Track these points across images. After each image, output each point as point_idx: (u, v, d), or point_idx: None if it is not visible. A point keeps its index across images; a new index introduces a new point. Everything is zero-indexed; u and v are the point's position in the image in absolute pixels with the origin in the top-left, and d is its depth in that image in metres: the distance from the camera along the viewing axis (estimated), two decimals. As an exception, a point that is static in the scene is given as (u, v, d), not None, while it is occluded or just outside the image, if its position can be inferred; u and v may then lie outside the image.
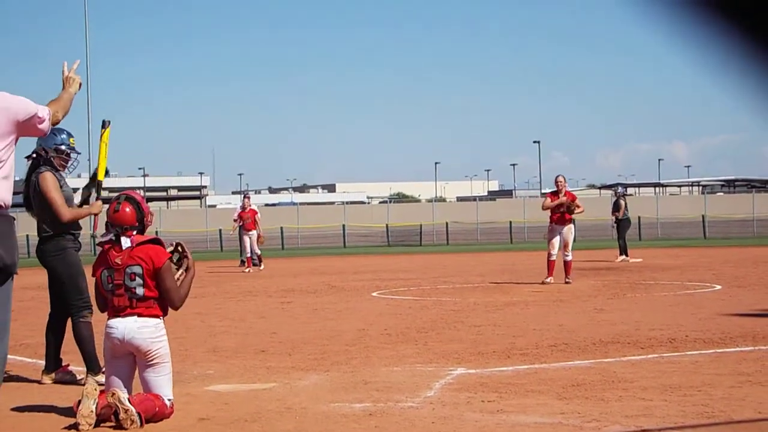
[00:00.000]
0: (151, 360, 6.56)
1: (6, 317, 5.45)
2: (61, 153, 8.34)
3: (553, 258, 17.91)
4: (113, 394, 6.22)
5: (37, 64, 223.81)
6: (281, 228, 49.37)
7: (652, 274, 21.08)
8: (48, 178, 8.15)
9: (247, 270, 26.81)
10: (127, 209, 6.82)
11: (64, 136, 8.38)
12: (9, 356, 9.18)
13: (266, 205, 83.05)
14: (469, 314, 13.27)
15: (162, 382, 6.55)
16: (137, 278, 6.58)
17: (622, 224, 27.61)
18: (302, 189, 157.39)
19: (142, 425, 6.18)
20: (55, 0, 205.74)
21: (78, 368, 8.51)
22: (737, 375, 7.78)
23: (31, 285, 22.89)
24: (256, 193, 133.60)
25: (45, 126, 5.73)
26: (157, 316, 6.61)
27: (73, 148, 8.44)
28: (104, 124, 8.63)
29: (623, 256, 26.93)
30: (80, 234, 8.65)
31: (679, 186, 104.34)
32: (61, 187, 8.22)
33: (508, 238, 48.39)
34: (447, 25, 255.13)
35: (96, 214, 8.57)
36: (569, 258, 18.09)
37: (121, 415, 6.17)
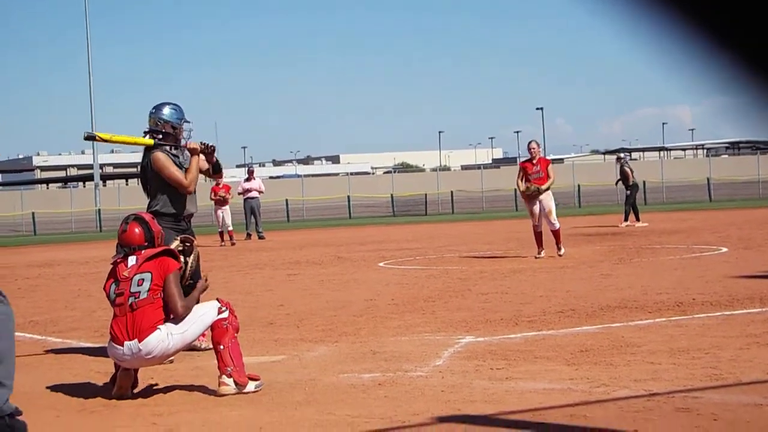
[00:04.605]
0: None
1: None
2: (175, 129, 8.61)
3: (539, 229, 16.99)
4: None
5: (37, 54, 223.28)
6: (286, 200, 49.34)
7: (658, 239, 21.06)
8: (160, 157, 8.45)
9: (222, 244, 26.66)
10: (136, 229, 6.81)
11: (172, 111, 8.59)
12: (19, 333, 9.23)
13: (270, 177, 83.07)
14: (476, 282, 13.28)
15: (200, 324, 6.61)
16: (145, 283, 6.53)
17: (630, 190, 27.49)
18: (306, 161, 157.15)
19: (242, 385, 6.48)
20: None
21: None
22: (745, 337, 7.78)
23: (37, 262, 22.95)
24: (260, 166, 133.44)
25: None
26: (157, 325, 6.50)
27: (185, 120, 8.67)
28: (91, 138, 8.66)
29: (627, 222, 26.88)
30: (188, 215, 8.63)
31: (684, 149, 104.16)
32: (177, 161, 8.52)
33: (513, 205, 48.29)
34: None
35: (197, 153, 8.49)
36: (556, 226, 16.89)
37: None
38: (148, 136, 8.63)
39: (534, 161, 17.03)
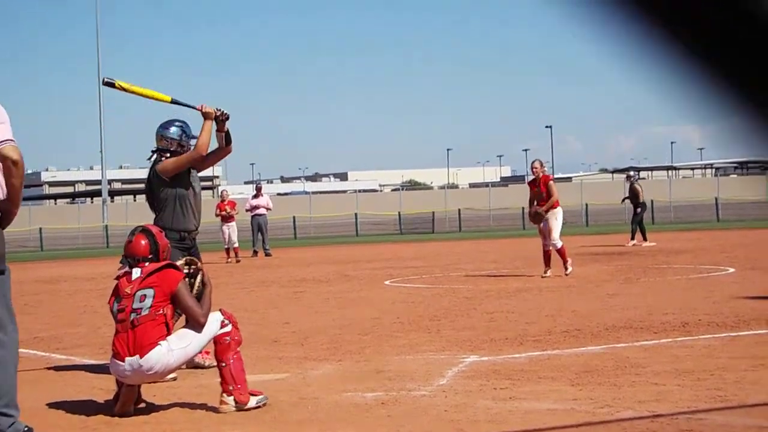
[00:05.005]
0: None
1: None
2: (182, 147, 8.65)
3: (548, 248, 16.86)
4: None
5: (46, 69, 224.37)
6: (293, 217, 49.38)
7: (665, 258, 21.01)
8: (165, 161, 8.56)
9: (228, 261, 26.65)
10: (142, 241, 6.81)
11: (178, 128, 8.67)
12: (23, 350, 9.24)
13: (278, 194, 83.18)
14: (481, 301, 13.25)
15: (202, 338, 6.60)
16: (147, 299, 6.52)
17: (640, 209, 27.37)
18: (314, 178, 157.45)
19: (241, 402, 6.49)
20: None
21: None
22: (751, 358, 7.74)
23: (44, 278, 22.97)
24: (268, 182, 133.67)
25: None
26: (158, 341, 6.47)
27: (192, 136, 8.67)
28: (110, 84, 8.53)
29: (634, 241, 26.79)
30: (192, 233, 8.67)
31: (692, 168, 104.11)
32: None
33: (521, 224, 48.26)
34: (458, 11, 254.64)
35: (211, 117, 8.48)
36: (557, 246, 16.68)
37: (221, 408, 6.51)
38: (156, 155, 8.65)
39: (537, 182, 17.00)
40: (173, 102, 8.49)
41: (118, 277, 6.79)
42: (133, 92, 8.44)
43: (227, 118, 8.56)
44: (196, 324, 6.55)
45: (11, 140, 5.40)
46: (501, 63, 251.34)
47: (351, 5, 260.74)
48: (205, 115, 8.44)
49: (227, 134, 8.65)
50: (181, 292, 6.56)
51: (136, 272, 6.66)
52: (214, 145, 8.69)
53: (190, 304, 6.56)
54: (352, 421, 6.06)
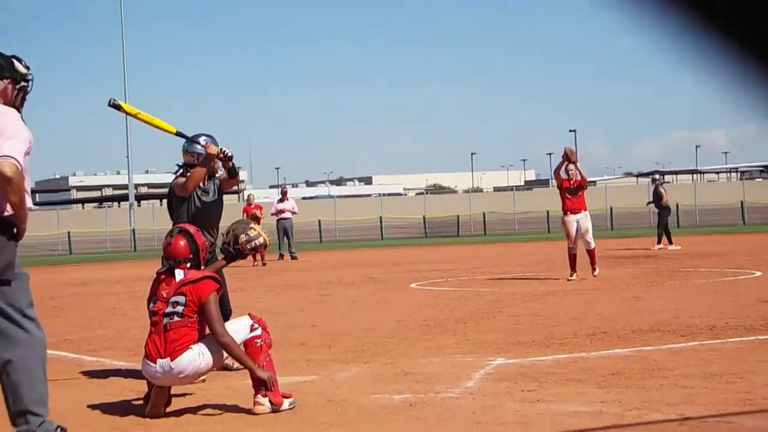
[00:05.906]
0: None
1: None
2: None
3: (575, 251, 16.82)
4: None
5: (74, 75, 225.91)
6: (319, 221, 49.54)
7: (691, 262, 20.94)
8: (178, 179, 8.63)
9: (255, 264, 26.50)
10: (181, 242, 6.85)
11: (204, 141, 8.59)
12: (53, 351, 9.31)
13: (303, 198, 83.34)
14: (507, 304, 13.26)
15: (237, 337, 6.65)
16: (179, 306, 6.59)
17: (662, 212, 27.35)
18: (339, 182, 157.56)
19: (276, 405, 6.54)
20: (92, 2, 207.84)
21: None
22: (779, 361, 7.72)
23: (72, 281, 23.14)
24: (293, 186, 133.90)
25: None
26: (189, 344, 6.55)
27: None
28: (116, 106, 8.39)
29: (660, 245, 26.72)
30: (212, 244, 8.57)
31: (717, 172, 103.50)
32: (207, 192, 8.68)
33: (546, 227, 48.19)
34: (483, 15, 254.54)
35: (212, 159, 8.42)
36: (592, 245, 16.73)
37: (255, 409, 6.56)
38: (182, 170, 8.65)
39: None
40: (178, 134, 8.43)
41: (157, 276, 6.85)
42: (138, 118, 8.31)
43: (230, 158, 8.50)
44: (213, 336, 6.57)
45: (10, 156, 5.15)
46: (525, 65, 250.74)
47: (374, 11, 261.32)
48: (207, 155, 8.40)
49: (232, 168, 8.63)
50: (209, 305, 6.60)
51: (179, 274, 6.71)
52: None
53: (215, 318, 6.58)
54: (380, 423, 6.09)
